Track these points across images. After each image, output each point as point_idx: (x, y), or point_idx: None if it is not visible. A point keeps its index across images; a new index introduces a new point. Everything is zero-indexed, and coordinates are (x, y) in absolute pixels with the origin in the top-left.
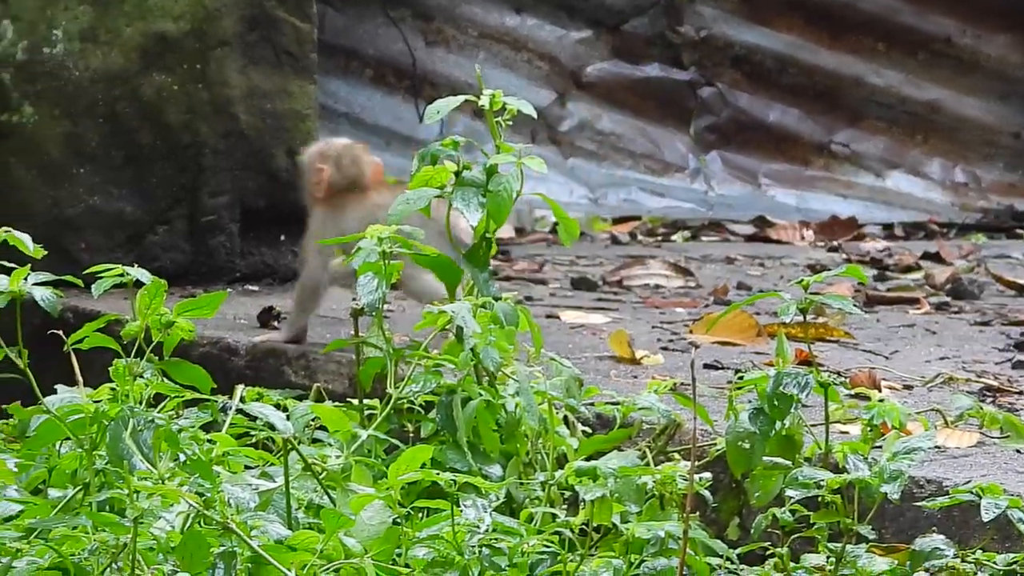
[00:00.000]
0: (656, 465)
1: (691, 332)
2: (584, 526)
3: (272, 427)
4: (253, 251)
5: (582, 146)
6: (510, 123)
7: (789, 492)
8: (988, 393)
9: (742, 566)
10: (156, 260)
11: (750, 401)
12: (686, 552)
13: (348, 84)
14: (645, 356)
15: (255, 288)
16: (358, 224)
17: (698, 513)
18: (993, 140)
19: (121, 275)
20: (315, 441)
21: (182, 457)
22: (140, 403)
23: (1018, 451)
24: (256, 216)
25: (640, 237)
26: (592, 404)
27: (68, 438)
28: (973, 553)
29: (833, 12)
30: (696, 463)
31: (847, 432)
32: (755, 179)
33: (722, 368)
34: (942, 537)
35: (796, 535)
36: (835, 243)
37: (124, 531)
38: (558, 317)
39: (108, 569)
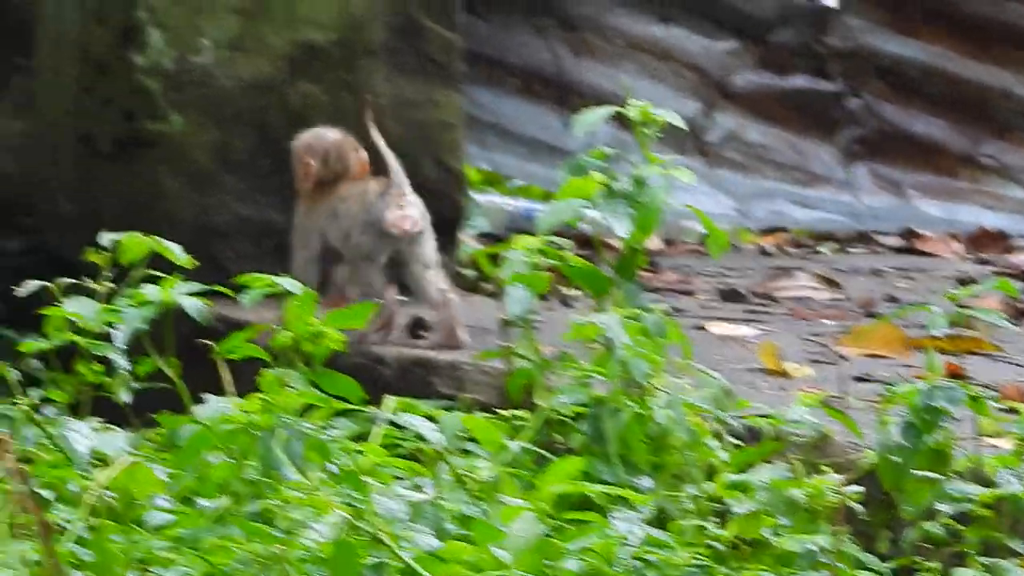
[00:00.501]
0: (806, 478)
1: (840, 344)
2: (735, 539)
3: (422, 438)
4: None
5: (729, 157)
6: (658, 134)
7: (940, 506)
8: None
9: None
10: None
11: (900, 414)
12: (837, 566)
13: (494, 94)
14: (794, 368)
15: (403, 298)
16: (324, 217)
17: (848, 526)
18: None
19: (270, 285)
20: (465, 452)
21: (332, 468)
22: (290, 413)
23: None
24: None
25: (787, 249)
26: (741, 416)
27: (218, 448)
28: None
29: (980, 24)
30: (846, 476)
31: (997, 446)
32: (902, 191)
33: (871, 381)
34: None
35: (947, 549)
36: (984, 256)
37: (275, 542)
38: (706, 329)
39: None
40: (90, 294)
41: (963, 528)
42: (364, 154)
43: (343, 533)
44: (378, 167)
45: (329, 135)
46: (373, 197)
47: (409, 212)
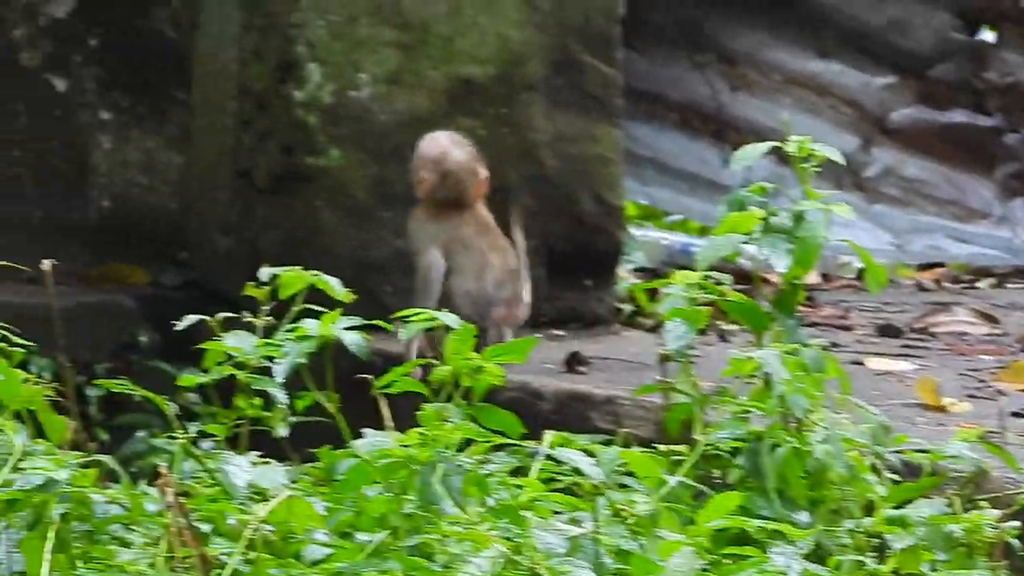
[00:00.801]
0: (964, 514)
1: (997, 380)
2: (893, 574)
3: (580, 472)
4: (559, 295)
5: (886, 192)
6: (816, 169)
7: None
8: None
9: None
10: None
11: None
12: None
13: (652, 128)
14: (951, 404)
15: (560, 332)
16: (441, 239)
17: (1006, 562)
18: None
19: (429, 319)
20: (623, 487)
21: (491, 502)
22: (449, 448)
23: None
24: (562, 260)
25: (945, 284)
26: (899, 452)
27: (377, 482)
28: None
29: None
30: (1004, 512)
31: None
32: None
33: None
34: None
35: None
36: None
37: None
38: (863, 364)
39: None
40: (248, 328)
41: None
42: (484, 175)
43: (501, 567)
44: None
45: (454, 154)
46: (491, 275)
47: (519, 310)
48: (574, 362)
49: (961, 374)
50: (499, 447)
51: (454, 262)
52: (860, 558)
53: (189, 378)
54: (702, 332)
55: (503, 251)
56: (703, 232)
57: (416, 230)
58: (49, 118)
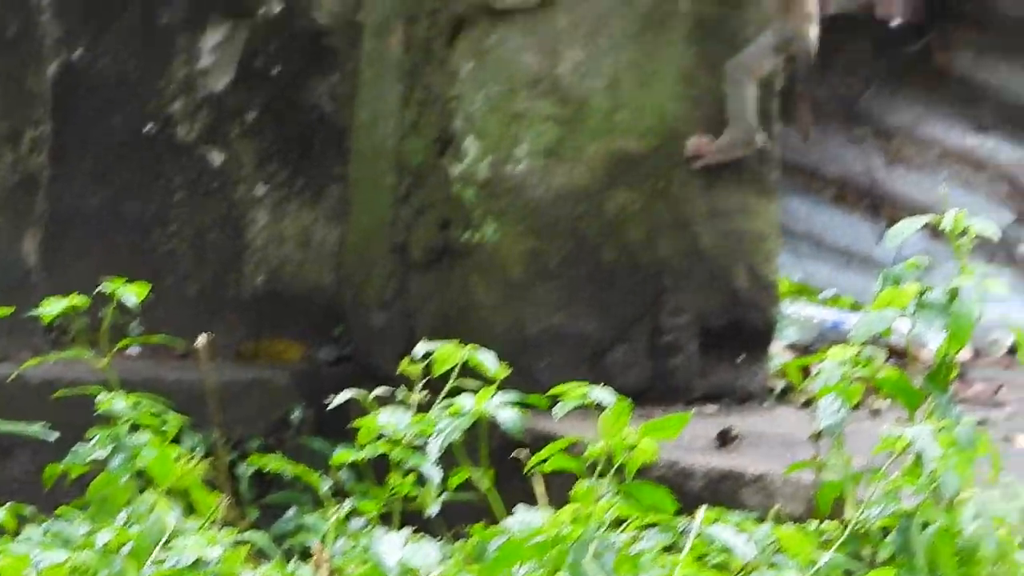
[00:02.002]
0: None
1: None
2: None
3: (732, 549)
4: (711, 371)
5: None
6: (972, 245)
7: None
8: None
9: None
10: (613, 380)
11: None
12: None
13: (808, 203)
14: None
15: (711, 409)
16: None
17: None
18: None
19: (583, 396)
20: (773, 565)
21: None
22: (601, 525)
23: None
24: (715, 335)
25: None
26: None
27: (528, 560)
28: None
29: None
30: None
31: None
32: None
33: None
34: None
35: None
36: None
37: None
38: (1014, 441)
39: None
40: (402, 404)
41: None
42: None
43: None
44: None
45: None
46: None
47: None
48: (725, 438)
49: None
50: (651, 524)
51: None
52: None
53: (342, 455)
54: (854, 408)
55: None
56: (857, 308)
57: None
58: (205, 192)
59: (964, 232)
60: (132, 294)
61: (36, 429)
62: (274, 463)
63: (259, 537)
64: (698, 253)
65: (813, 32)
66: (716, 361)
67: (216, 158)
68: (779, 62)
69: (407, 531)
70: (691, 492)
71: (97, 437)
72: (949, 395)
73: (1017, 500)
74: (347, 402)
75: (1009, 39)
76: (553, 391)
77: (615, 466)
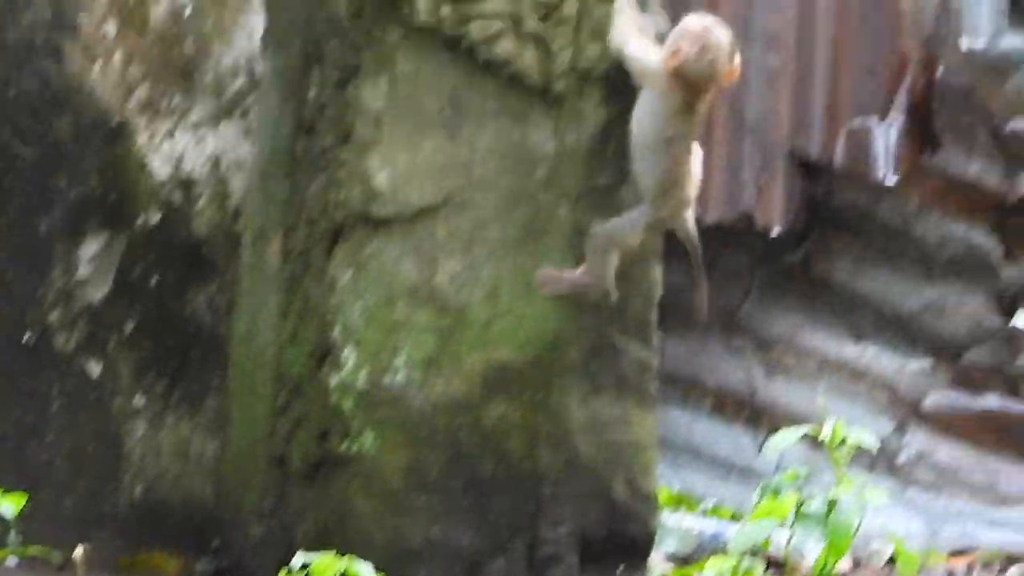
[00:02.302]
0: None
1: None
2: None
3: None
4: None
5: (919, 477)
6: (851, 454)
7: None
8: None
9: None
10: None
11: None
12: None
13: (687, 413)
14: None
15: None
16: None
17: None
18: None
19: None
20: None
21: None
22: None
23: None
24: (594, 546)
25: (977, 571)
26: None
27: None
28: None
29: None
30: None
31: None
32: None
33: None
34: None
35: None
36: None
37: None
38: None
39: None
40: None
41: None
42: (738, 63)
43: None
44: None
45: (716, 34)
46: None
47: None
48: None
49: None
50: None
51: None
52: None
53: None
54: None
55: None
56: (737, 519)
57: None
58: (83, 403)
59: (843, 442)
60: (9, 505)
61: None
62: None
63: None
64: (577, 464)
65: (691, 216)
66: (595, 572)
67: (94, 369)
68: (646, 239)
69: None
70: None
71: None
72: None
73: None
74: None
75: (888, 247)
76: None
77: None
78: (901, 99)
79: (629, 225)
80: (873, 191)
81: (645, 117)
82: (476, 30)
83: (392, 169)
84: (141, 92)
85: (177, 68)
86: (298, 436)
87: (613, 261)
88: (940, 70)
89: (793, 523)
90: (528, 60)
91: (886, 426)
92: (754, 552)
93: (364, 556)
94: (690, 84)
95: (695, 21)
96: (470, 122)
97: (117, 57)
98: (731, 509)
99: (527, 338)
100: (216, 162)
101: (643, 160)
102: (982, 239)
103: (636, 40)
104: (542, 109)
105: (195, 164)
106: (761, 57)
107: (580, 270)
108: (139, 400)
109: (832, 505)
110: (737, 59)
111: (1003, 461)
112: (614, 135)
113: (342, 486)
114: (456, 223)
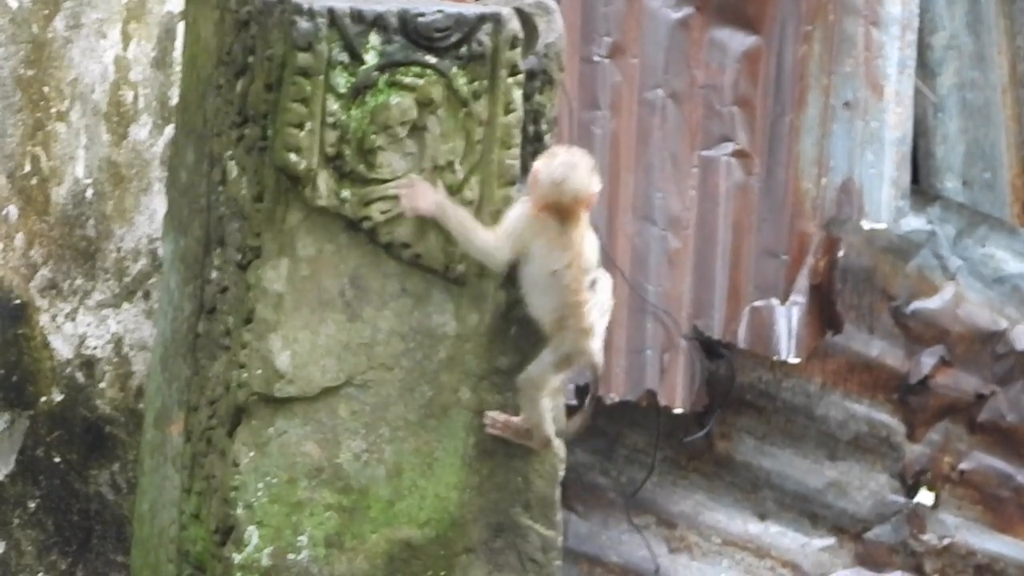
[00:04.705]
0: None
1: None
2: None
3: None
4: None
5: None
6: None
7: None
8: None
9: None
10: None
11: None
12: None
13: None
14: None
15: None
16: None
17: None
18: None
19: None
20: None
21: None
22: None
23: None
24: None
25: None
26: None
27: None
28: None
29: None
30: None
31: None
32: None
33: None
34: None
35: None
36: None
37: None
38: None
39: None
40: None
41: None
42: (596, 188)
43: None
44: None
45: (573, 165)
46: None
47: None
48: None
49: None
50: None
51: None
52: None
53: None
54: None
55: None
56: None
57: (511, 217)
58: None
59: None
60: None
61: None
62: None
63: None
64: None
65: (595, 345)
66: None
67: None
68: (564, 376)
69: None
70: None
71: None
72: None
73: None
74: None
75: (791, 426)
76: None
77: None
78: (803, 280)
79: (540, 367)
80: (776, 370)
81: (529, 261)
82: (377, 212)
83: (294, 350)
84: (43, 273)
85: (79, 250)
86: None
87: (547, 406)
88: (842, 251)
89: None
90: (429, 242)
91: None
92: None
93: None
94: (559, 207)
95: (545, 157)
96: (372, 303)
97: (19, 239)
98: None
99: (430, 517)
100: (118, 342)
101: (536, 300)
102: (885, 418)
103: (498, 231)
104: (443, 290)
105: (98, 344)
106: (663, 238)
107: (522, 417)
108: None
109: None
110: (597, 179)
111: None
112: (515, 316)
113: None
114: (359, 403)
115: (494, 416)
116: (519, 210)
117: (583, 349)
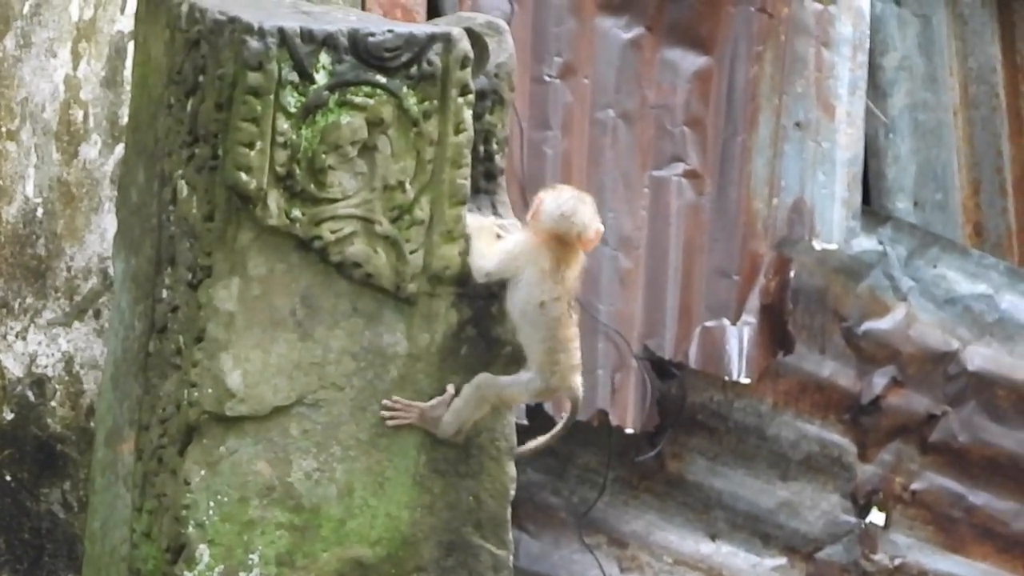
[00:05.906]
0: None
1: None
2: None
3: None
4: None
5: None
6: None
7: None
8: None
9: None
10: None
11: None
12: None
13: None
14: None
15: None
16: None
17: None
18: None
19: None
20: None
21: None
22: None
23: None
24: None
25: None
26: None
27: None
28: None
29: None
30: None
31: None
32: None
33: None
34: None
35: None
36: None
37: None
38: None
39: None
40: None
41: None
42: (599, 227)
43: None
44: None
45: (576, 207)
46: None
47: None
48: None
49: None
50: None
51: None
52: None
53: None
54: None
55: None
56: None
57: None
58: None
59: None
60: None
61: None
62: None
63: None
64: None
65: (578, 380)
66: None
67: None
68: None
69: None
70: None
71: None
72: None
73: None
74: None
75: (741, 446)
76: None
77: None
78: (754, 300)
79: (518, 388)
80: (727, 391)
81: (518, 287)
82: (328, 232)
83: (245, 369)
84: None
85: (29, 268)
86: None
87: (483, 412)
88: (793, 271)
89: None
90: (380, 261)
91: None
92: None
93: None
94: (561, 240)
95: (552, 189)
96: (323, 322)
97: None
98: None
99: (381, 535)
100: (69, 361)
101: (526, 331)
102: (836, 438)
103: (494, 247)
104: (395, 310)
105: (48, 363)
106: (614, 258)
107: (434, 402)
108: None
109: None
110: (599, 223)
111: None
112: (466, 336)
113: None
114: (310, 422)
115: (391, 404)
116: (520, 235)
117: (570, 385)
